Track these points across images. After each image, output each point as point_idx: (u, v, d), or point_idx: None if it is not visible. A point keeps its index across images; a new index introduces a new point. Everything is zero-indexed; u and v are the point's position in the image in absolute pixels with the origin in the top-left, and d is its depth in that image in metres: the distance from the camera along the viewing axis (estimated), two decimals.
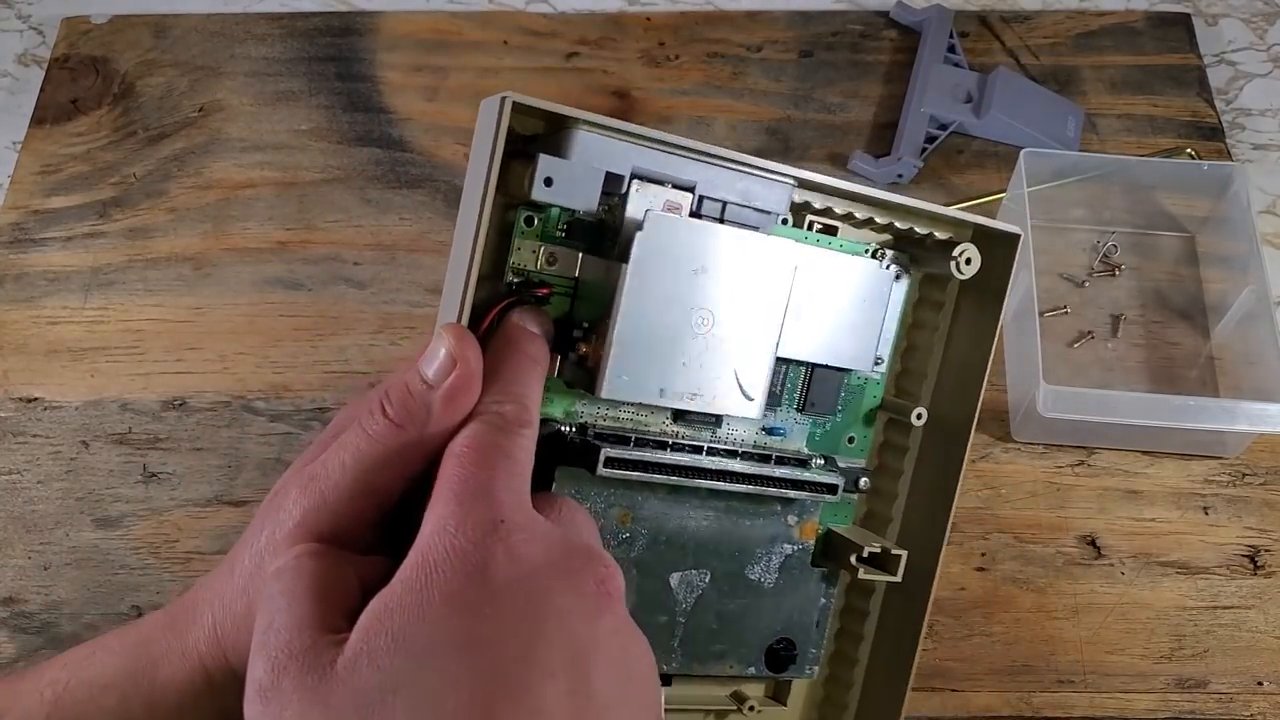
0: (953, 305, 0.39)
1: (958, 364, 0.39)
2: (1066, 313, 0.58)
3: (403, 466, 0.29)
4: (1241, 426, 0.50)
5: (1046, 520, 0.52)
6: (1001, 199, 0.60)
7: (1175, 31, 0.69)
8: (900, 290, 0.39)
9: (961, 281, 0.38)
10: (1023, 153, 0.56)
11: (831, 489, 0.37)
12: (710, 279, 0.33)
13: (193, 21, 0.68)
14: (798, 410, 0.38)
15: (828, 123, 0.65)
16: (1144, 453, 0.54)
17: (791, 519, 0.38)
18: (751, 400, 0.35)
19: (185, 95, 0.65)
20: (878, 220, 0.37)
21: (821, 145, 0.64)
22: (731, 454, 0.36)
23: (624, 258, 0.32)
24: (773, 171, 0.35)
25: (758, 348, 0.35)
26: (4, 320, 0.58)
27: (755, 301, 0.34)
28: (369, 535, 0.29)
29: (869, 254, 0.38)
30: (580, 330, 0.33)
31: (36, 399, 0.55)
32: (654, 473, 0.34)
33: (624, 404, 0.35)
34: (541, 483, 0.33)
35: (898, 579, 0.38)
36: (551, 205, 0.32)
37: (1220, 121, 0.65)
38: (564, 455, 0.34)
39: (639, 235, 0.32)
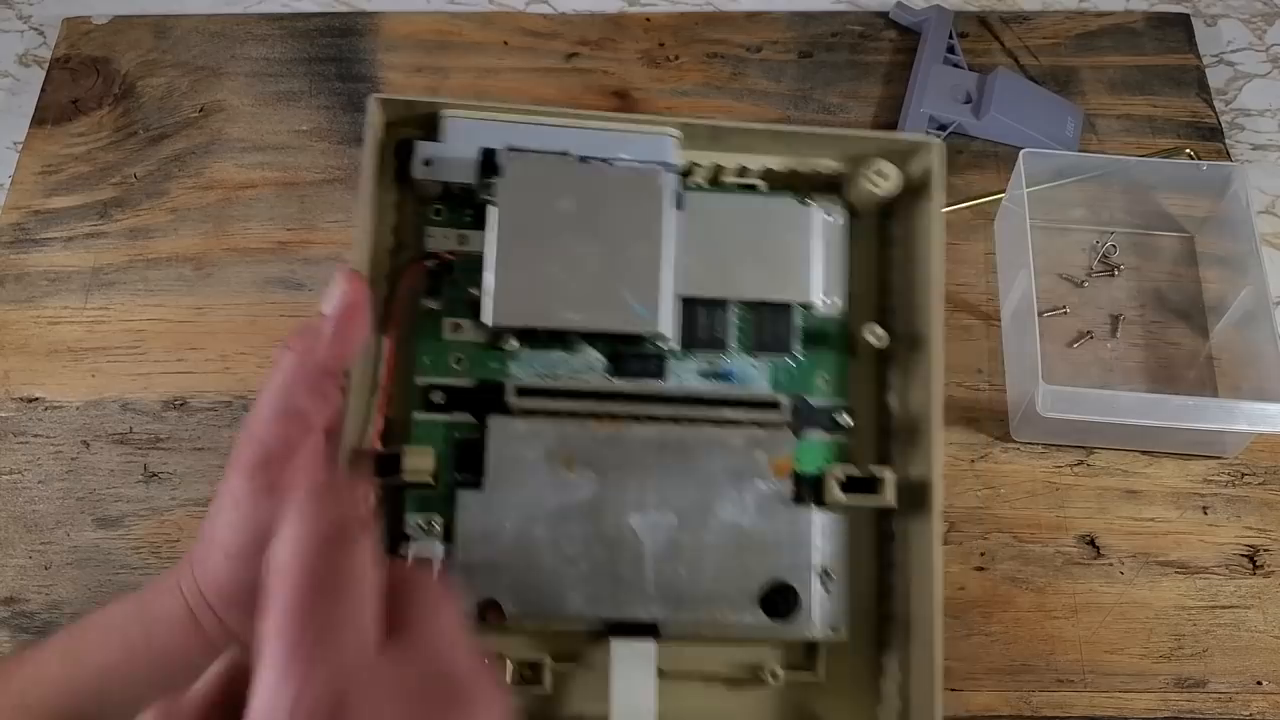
0: (901, 229, 0.40)
1: (913, 283, 0.39)
2: (1066, 313, 0.58)
3: (311, 388, 0.33)
4: (1240, 426, 0.50)
5: (1046, 520, 0.53)
6: (1001, 199, 0.60)
7: (1174, 32, 0.69)
8: (833, 228, 0.39)
9: (893, 201, 0.39)
10: (1022, 153, 0.56)
11: (774, 404, 0.37)
12: (583, 213, 0.36)
13: (193, 22, 0.69)
14: (750, 354, 0.38)
15: (827, 123, 0.65)
16: (1143, 453, 0.54)
17: (759, 455, 0.37)
18: (645, 314, 0.36)
19: (186, 96, 0.65)
20: (800, 171, 0.39)
21: None
22: (668, 400, 0.37)
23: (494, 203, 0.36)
24: (641, 122, 0.37)
25: (644, 271, 0.36)
26: (5, 320, 0.58)
27: (632, 230, 0.37)
28: (302, 456, 0.33)
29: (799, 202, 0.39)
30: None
31: (37, 399, 0.55)
32: (571, 400, 0.36)
33: (558, 361, 0.37)
34: (477, 435, 0.36)
35: (891, 503, 0.36)
36: (434, 181, 0.37)
37: (1219, 122, 0.65)
38: (489, 404, 0.36)
39: (499, 179, 0.36)
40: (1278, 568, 0.52)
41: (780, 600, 0.36)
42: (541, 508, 0.36)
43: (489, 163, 0.37)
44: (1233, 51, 0.70)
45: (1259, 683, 0.49)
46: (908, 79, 0.66)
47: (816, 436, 0.38)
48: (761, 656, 0.37)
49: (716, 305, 0.38)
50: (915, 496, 0.37)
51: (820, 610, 0.36)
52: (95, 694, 0.34)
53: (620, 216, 0.37)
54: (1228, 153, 0.64)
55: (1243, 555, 0.52)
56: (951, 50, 0.66)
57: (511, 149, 0.37)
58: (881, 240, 0.40)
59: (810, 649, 0.37)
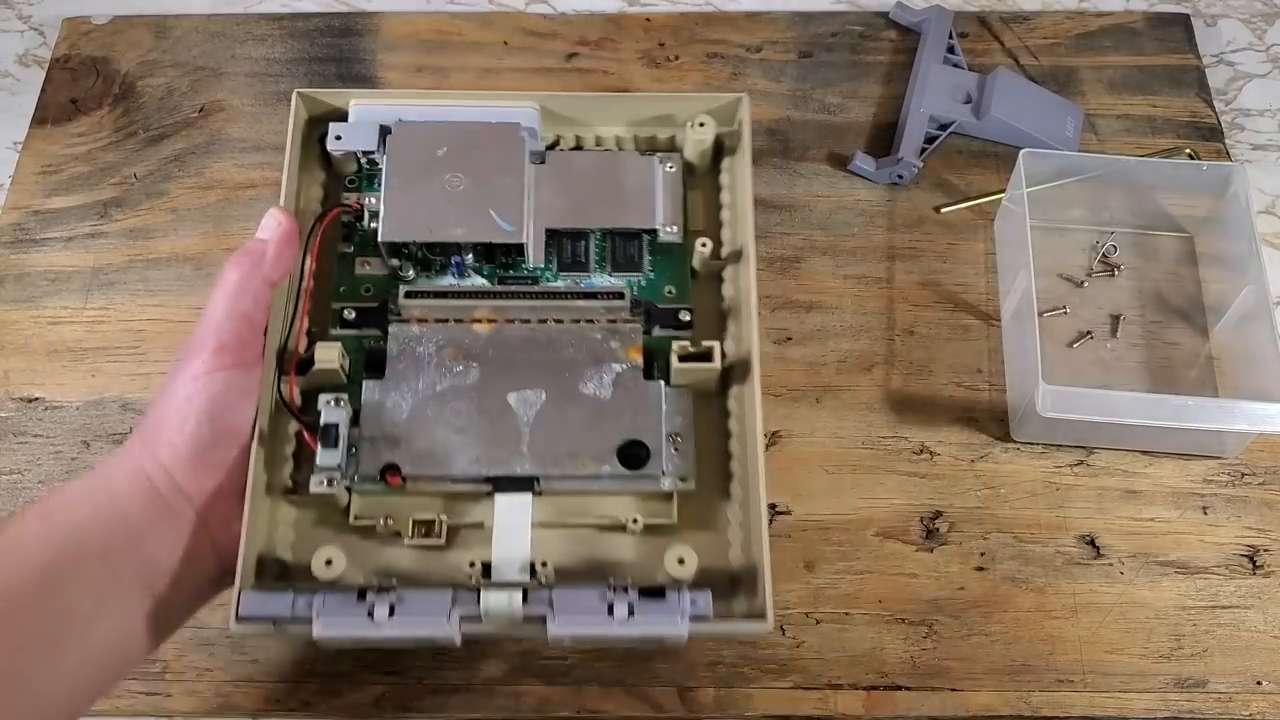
0: (725, 173, 0.51)
1: (735, 209, 0.49)
2: (1065, 313, 0.58)
3: (255, 296, 0.42)
4: (1240, 426, 0.50)
5: (1046, 520, 0.53)
6: (1001, 199, 0.60)
7: (1174, 32, 0.69)
8: (671, 175, 0.50)
9: (712, 145, 0.51)
10: (1022, 153, 0.56)
11: (619, 295, 0.47)
12: (455, 157, 0.47)
13: (193, 22, 0.69)
14: (610, 274, 0.49)
15: (827, 123, 0.65)
16: (1143, 453, 0.54)
17: (614, 344, 0.46)
18: (510, 229, 0.46)
19: (186, 96, 0.65)
20: (641, 136, 0.52)
21: (821, 146, 0.64)
22: (536, 297, 0.47)
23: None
24: (509, 98, 0.50)
25: (508, 198, 0.47)
26: (5, 320, 0.58)
27: (498, 168, 0.47)
28: (248, 349, 0.42)
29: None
30: None
31: (37, 399, 0.55)
32: (454, 299, 0.46)
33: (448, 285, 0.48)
34: (382, 345, 0.46)
35: (716, 366, 0.45)
36: (345, 152, 0.49)
37: (1219, 122, 0.65)
38: (386, 318, 0.46)
39: (390, 137, 0.48)
40: (1278, 568, 0.52)
41: (634, 454, 0.44)
42: (433, 391, 0.45)
43: (384, 133, 0.48)
44: (1233, 51, 0.70)
45: (1259, 683, 0.49)
46: (908, 79, 0.66)
47: (665, 333, 0.47)
48: (625, 508, 0.44)
49: (579, 235, 0.49)
50: (741, 368, 0.46)
51: (671, 466, 0.44)
52: (73, 546, 0.39)
53: (488, 159, 0.47)
54: (1228, 153, 0.64)
55: (1243, 555, 0.52)
56: (951, 50, 0.66)
57: (401, 121, 0.48)
58: (715, 186, 0.51)
59: (666, 499, 0.45)
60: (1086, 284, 0.59)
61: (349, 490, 0.44)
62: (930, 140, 0.63)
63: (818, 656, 0.49)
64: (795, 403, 0.55)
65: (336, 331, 0.47)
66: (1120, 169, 0.58)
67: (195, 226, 0.61)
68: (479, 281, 0.48)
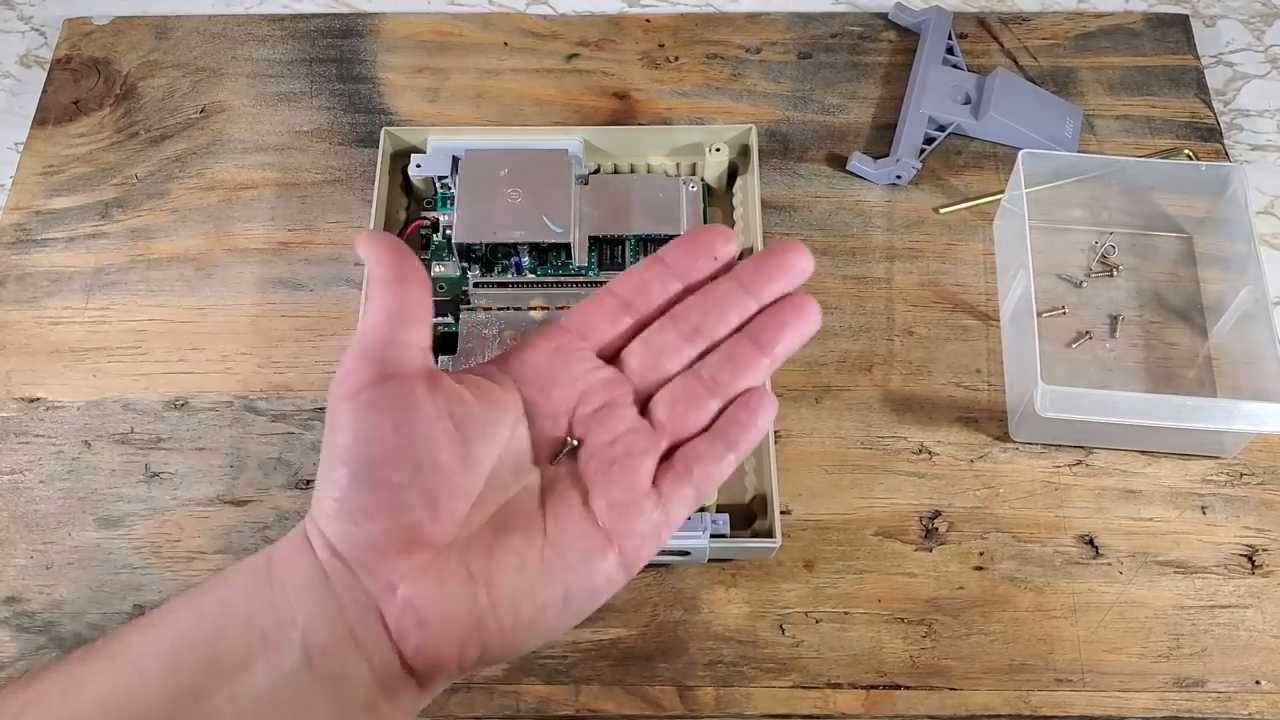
0: (739, 189, 0.60)
1: (746, 219, 0.58)
2: (1064, 313, 0.58)
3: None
4: (1239, 426, 0.50)
5: (1045, 520, 0.53)
6: (1000, 200, 0.60)
7: (1173, 33, 0.69)
8: (694, 193, 0.58)
9: (727, 168, 0.59)
10: (1021, 154, 0.56)
11: None
12: (515, 177, 0.56)
13: (194, 23, 0.69)
14: None
15: (827, 124, 0.65)
16: (1142, 453, 0.54)
17: None
18: (559, 231, 0.54)
19: (187, 96, 0.66)
20: (669, 162, 0.61)
21: (820, 146, 0.64)
22: (581, 285, 0.56)
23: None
24: (555, 135, 0.59)
25: (558, 207, 0.55)
26: (6, 321, 0.58)
27: (549, 184, 0.55)
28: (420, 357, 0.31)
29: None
30: None
31: (39, 399, 0.56)
32: (513, 288, 0.55)
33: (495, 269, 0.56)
34: (454, 330, 0.54)
35: None
36: (424, 178, 0.58)
37: (1218, 122, 0.65)
38: (458, 308, 0.55)
39: (460, 161, 0.56)
40: (1276, 568, 0.52)
41: None
42: None
43: (455, 162, 0.58)
44: (1232, 52, 0.70)
45: (1258, 682, 0.49)
46: (907, 80, 0.66)
47: None
48: None
49: (617, 241, 0.57)
50: None
51: None
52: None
53: (542, 177, 0.56)
54: (1226, 153, 0.64)
55: (1241, 555, 0.52)
56: (950, 51, 0.67)
57: (469, 150, 0.57)
58: (730, 203, 0.60)
59: None
60: (1085, 284, 0.59)
61: None
62: (929, 141, 0.63)
63: (817, 656, 0.49)
64: (795, 403, 0.56)
65: None
66: (1119, 169, 0.58)
67: (196, 227, 0.61)
68: (532, 278, 0.56)
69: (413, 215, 0.59)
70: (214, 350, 0.57)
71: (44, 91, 0.66)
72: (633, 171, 0.61)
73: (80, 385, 0.56)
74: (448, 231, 0.57)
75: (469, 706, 0.48)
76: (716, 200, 0.61)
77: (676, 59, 0.68)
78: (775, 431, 0.55)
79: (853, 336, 0.58)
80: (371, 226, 0.56)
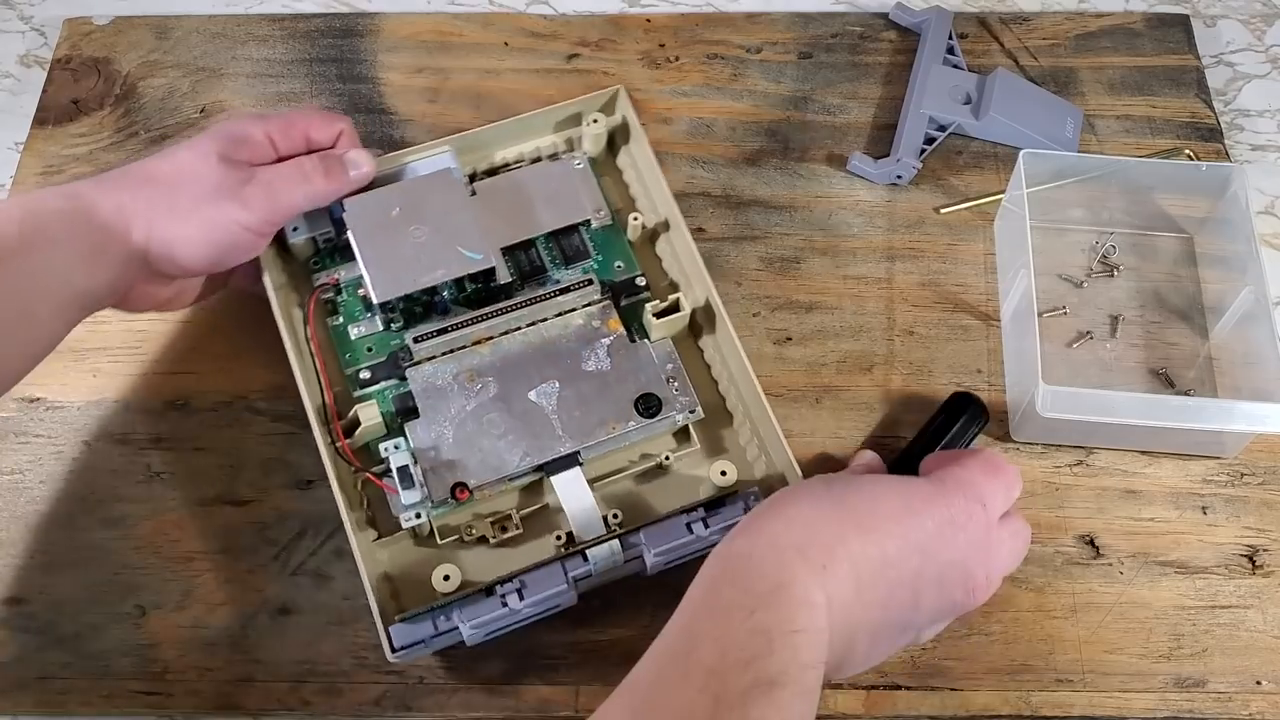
0: (625, 155, 0.60)
1: (646, 185, 0.58)
2: (1065, 313, 0.58)
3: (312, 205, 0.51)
4: (1239, 427, 0.50)
5: (1045, 520, 0.53)
6: (1000, 200, 0.60)
7: (1174, 33, 0.69)
8: (583, 170, 0.57)
9: (607, 137, 0.59)
10: (1021, 154, 0.56)
11: (589, 282, 0.54)
12: (409, 213, 0.52)
13: (194, 23, 0.69)
14: (563, 267, 0.56)
15: (827, 124, 0.65)
16: (1142, 453, 0.54)
17: (595, 323, 0.53)
18: (479, 257, 0.52)
19: (187, 96, 0.66)
20: (543, 148, 0.60)
21: (821, 146, 0.64)
22: (519, 307, 0.53)
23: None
24: (425, 149, 0.56)
25: (466, 232, 0.52)
26: None
27: (447, 209, 0.53)
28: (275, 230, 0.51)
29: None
30: None
31: (39, 399, 0.56)
32: (453, 331, 0.52)
33: (435, 322, 0.53)
34: (406, 389, 0.52)
35: (686, 312, 0.53)
36: (304, 240, 0.54)
37: (1219, 122, 0.65)
38: (402, 365, 0.52)
39: (343, 215, 0.52)
40: (1277, 568, 0.52)
41: (649, 404, 0.51)
42: (466, 412, 0.51)
43: (331, 214, 0.54)
44: (1232, 52, 0.70)
45: (1258, 682, 0.49)
46: (907, 80, 0.66)
47: (631, 300, 0.55)
48: (657, 448, 0.52)
49: (528, 244, 0.55)
50: (707, 313, 0.54)
51: (679, 404, 0.52)
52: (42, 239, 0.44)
53: (435, 205, 0.53)
54: (1227, 153, 0.64)
55: (1242, 555, 0.52)
56: (951, 51, 0.67)
57: (348, 198, 0.52)
58: (618, 170, 0.60)
59: (684, 432, 0.53)
60: (1086, 284, 0.59)
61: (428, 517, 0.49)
62: (930, 141, 0.63)
63: None
64: (795, 403, 0.55)
65: (361, 393, 0.52)
66: (1119, 170, 0.58)
67: None
68: (462, 314, 0.53)
69: (300, 282, 0.55)
70: (214, 350, 0.57)
71: (44, 91, 0.66)
72: (506, 167, 0.59)
73: (80, 385, 0.56)
74: (358, 291, 0.54)
75: (469, 706, 0.48)
76: (604, 170, 0.60)
77: (677, 59, 0.68)
78: None
79: (853, 336, 0.57)
80: (277, 312, 0.52)
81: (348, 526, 0.47)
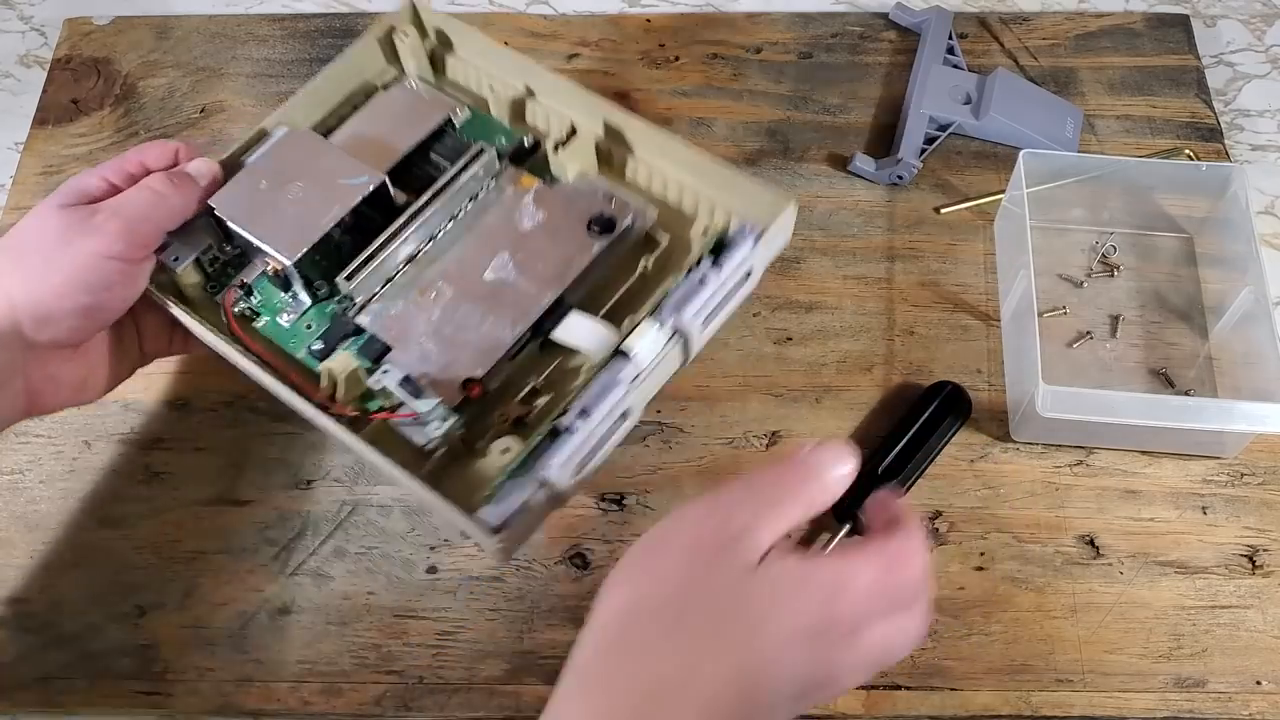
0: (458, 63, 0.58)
1: (492, 70, 0.57)
2: (1065, 313, 0.58)
3: (181, 216, 0.47)
4: (1239, 427, 0.50)
5: (1045, 520, 0.53)
6: (1000, 200, 0.60)
7: (1174, 33, 0.69)
8: (420, 88, 0.56)
9: (428, 54, 0.58)
10: (1021, 153, 0.56)
11: (481, 152, 0.51)
12: (274, 181, 0.50)
13: (194, 23, 0.69)
14: (452, 166, 0.51)
15: (827, 124, 0.65)
16: (1142, 453, 0.54)
17: (509, 190, 0.52)
18: (364, 179, 0.49)
19: (187, 96, 0.66)
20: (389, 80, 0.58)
21: (821, 146, 0.64)
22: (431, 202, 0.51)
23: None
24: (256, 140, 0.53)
25: (339, 167, 0.50)
26: None
27: (310, 160, 0.51)
28: (148, 251, 0.46)
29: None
30: None
31: None
32: (381, 255, 0.49)
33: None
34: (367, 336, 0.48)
35: (586, 135, 0.53)
36: (188, 262, 0.50)
37: (1219, 122, 0.65)
38: (348, 321, 0.49)
39: (217, 210, 0.49)
40: (1277, 568, 0.52)
41: (604, 223, 0.50)
42: (434, 321, 0.48)
43: (211, 219, 0.50)
44: (1232, 52, 0.70)
45: (1258, 682, 0.49)
46: (908, 80, 0.66)
47: (529, 161, 0.53)
48: (631, 264, 0.51)
49: (406, 162, 0.52)
50: (612, 134, 0.53)
51: (629, 211, 0.50)
52: None
53: (299, 161, 0.51)
54: (1227, 153, 0.64)
55: (1242, 555, 0.52)
56: (951, 51, 0.67)
57: (214, 200, 0.49)
58: (460, 81, 0.58)
59: (648, 242, 0.51)
60: (1086, 284, 0.59)
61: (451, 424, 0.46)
62: (930, 141, 0.63)
63: None
64: (795, 403, 0.55)
65: (324, 364, 0.47)
66: (1120, 170, 0.58)
67: None
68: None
69: (213, 306, 0.51)
70: None
71: (44, 91, 0.66)
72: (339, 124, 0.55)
73: None
74: (268, 275, 0.50)
75: (469, 706, 0.48)
76: (441, 81, 0.59)
77: (677, 59, 0.68)
78: (775, 432, 0.55)
79: (853, 336, 0.57)
80: (204, 336, 0.48)
81: (391, 465, 0.43)
